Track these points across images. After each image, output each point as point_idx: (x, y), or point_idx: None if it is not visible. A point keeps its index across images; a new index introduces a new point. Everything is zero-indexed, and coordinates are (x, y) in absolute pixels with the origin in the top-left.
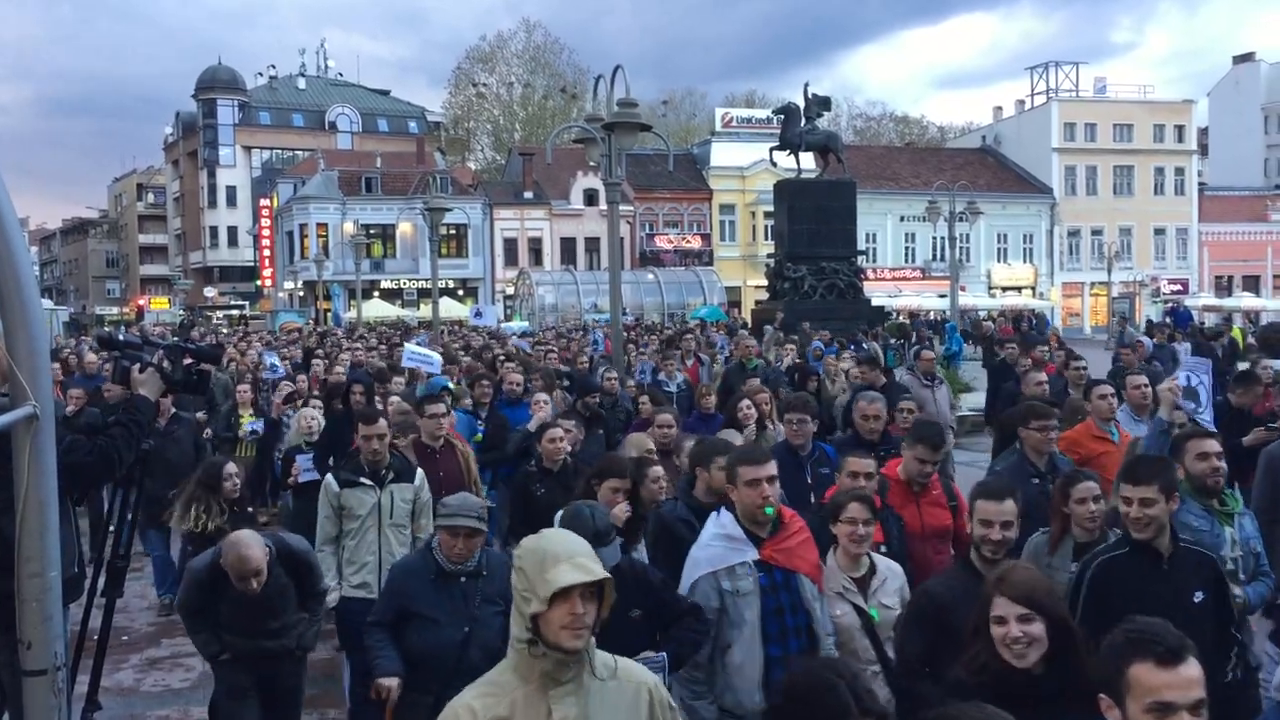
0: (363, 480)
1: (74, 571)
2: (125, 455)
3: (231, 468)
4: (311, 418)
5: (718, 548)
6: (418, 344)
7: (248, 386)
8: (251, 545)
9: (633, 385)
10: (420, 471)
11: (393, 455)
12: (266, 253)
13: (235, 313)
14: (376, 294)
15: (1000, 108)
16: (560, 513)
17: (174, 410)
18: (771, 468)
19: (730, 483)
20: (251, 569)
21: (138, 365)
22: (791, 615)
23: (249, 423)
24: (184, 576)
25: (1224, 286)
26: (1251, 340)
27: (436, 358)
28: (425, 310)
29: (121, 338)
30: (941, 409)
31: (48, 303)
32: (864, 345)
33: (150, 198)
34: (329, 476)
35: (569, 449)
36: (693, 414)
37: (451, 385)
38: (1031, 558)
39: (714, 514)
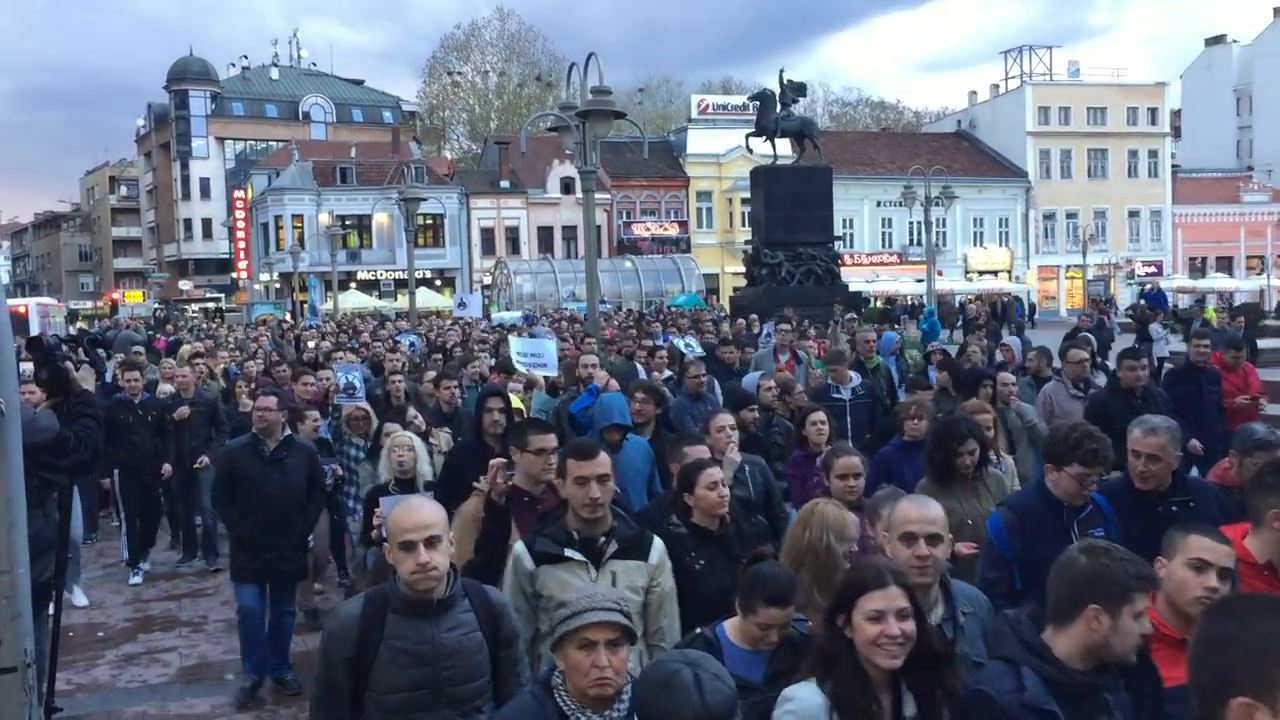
0: (569, 554)
1: (48, 575)
2: (99, 448)
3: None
4: (407, 447)
5: None
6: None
7: (315, 414)
8: (423, 500)
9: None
10: (659, 544)
11: (618, 515)
12: (241, 245)
13: (211, 305)
14: (353, 285)
15: (975, 92)
16: (641, 674)
17: (288, 433)
18: None
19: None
20: (424, 522)
21: (69, 364)
22: None
23: None
24: (325, 634)
25: (1197, 268)
26: (1224, 317)
27: (551, 353)
28: (403, 301)
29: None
30: None
31: (49, 299)
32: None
33: (123, 190)
34: (520, 549)
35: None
36: (892, 441)
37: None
38: None
39: None
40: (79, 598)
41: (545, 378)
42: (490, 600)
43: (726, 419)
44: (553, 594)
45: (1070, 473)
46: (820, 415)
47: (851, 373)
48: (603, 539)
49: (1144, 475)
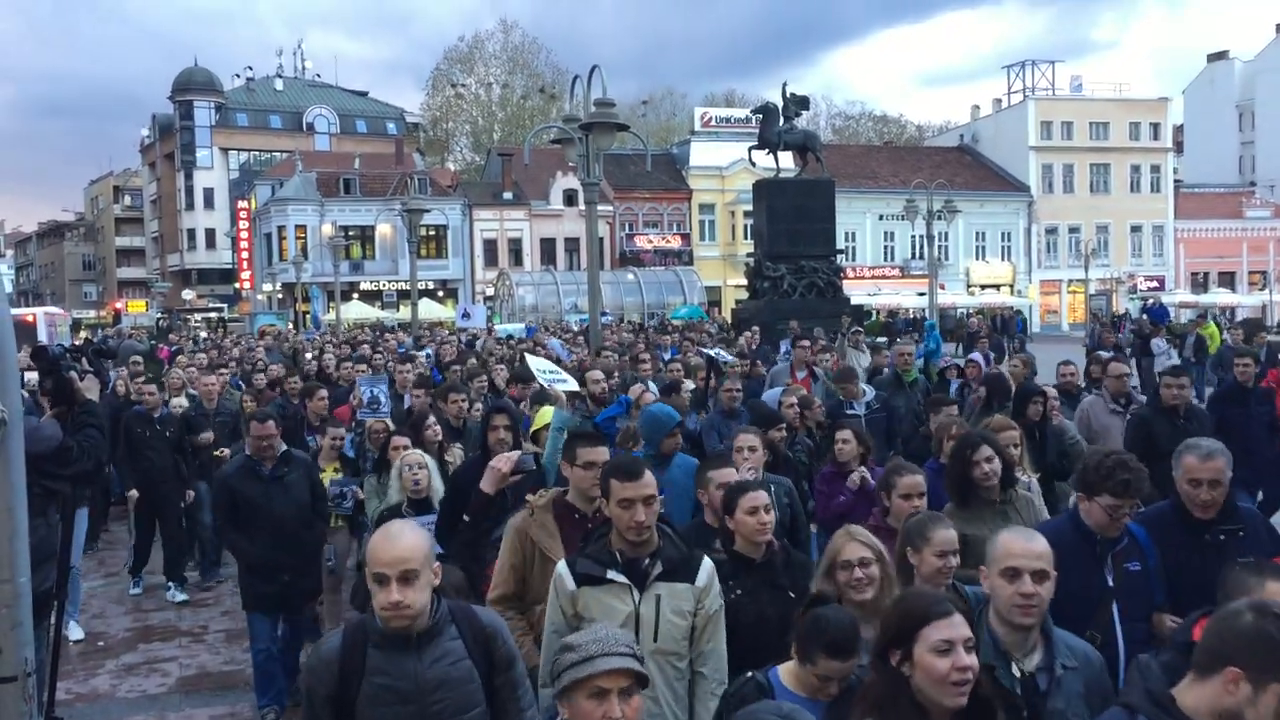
0: (612, 576)
1: (49, 585)
2: (102, 457)
3: None
4: (420, 465)
5: None
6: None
7: (341, 432)
8: (405, 528)
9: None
10: (708, 565)
11: (664, 534)
12: (245, 255)
13: (214, 315)
14: (356, 296)
15: (978, 106)
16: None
17: (285, 447)
18: None
19: None
20: (400, 556)
21: (75, 373)
22: None
23: (333, 483)
24: (306, 669)
25: (1200, 283)
26: (1226, 336)
27: (566, 374)
28: (405, 312)
29: (55, 350)
30: None
31: (56, 309)
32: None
33: (127, 200)
34: (561, 568)
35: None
36: (928, 464)
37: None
38: None
39: None
40: (75, 631)
41: (567, 393)
42: (480, 623)
43: (748, 439)
44: (594, 617)
45: (1101, 503)
46: (847, 433)
47: (865, 386)
48: (647, 560)
49: (1207, 503)
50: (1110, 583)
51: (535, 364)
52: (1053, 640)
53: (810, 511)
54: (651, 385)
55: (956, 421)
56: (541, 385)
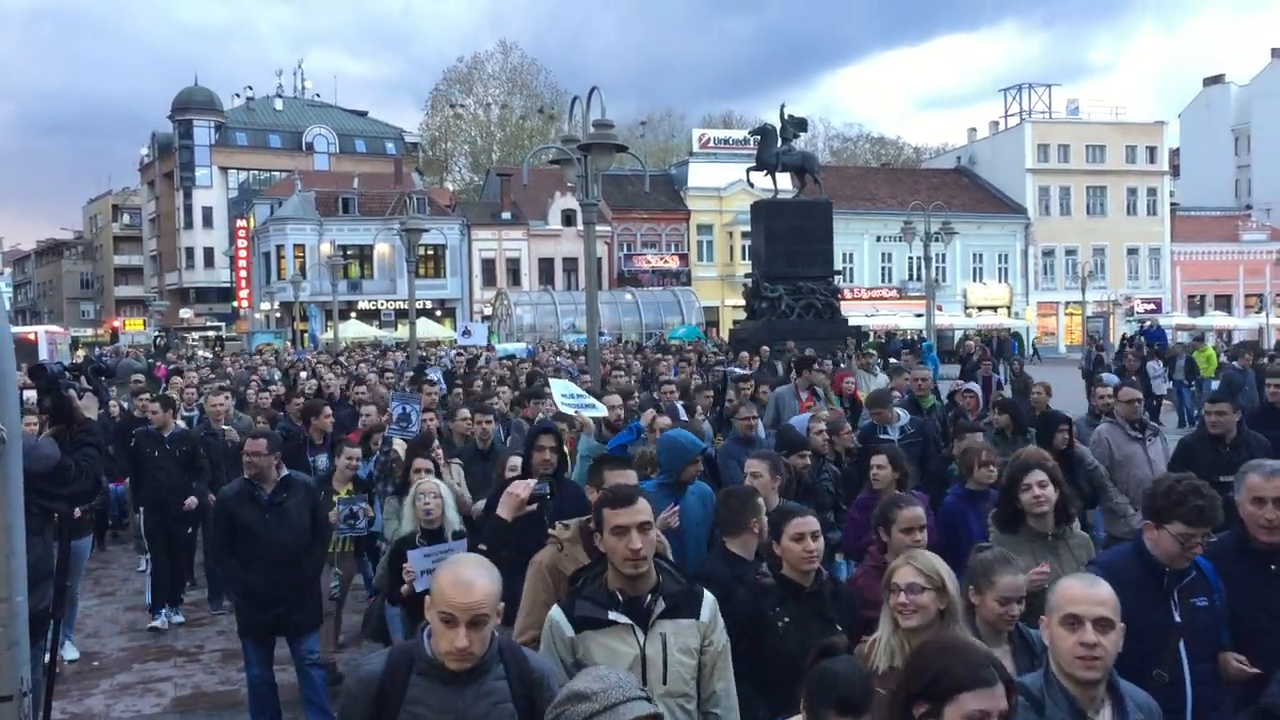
0: (614, 617)
1: (45, 605)
2: (100, 477)
3: None
4: (434, 494)
5: None
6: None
7: (357, 453)
8: (479, 570)
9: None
10: (710, 599)
11: (662, 569)
12: (243, 274)
13: (212, 334)
14: (354, 315)
15: (975, 129)
16: None
17: (286, 472)
18: None
19: None
20: (474, 603)
21: (73, 391)
22: None
23: (342, 503)
24: (344, 691)
25: (1196, 306)
26: (1223, 358)
27: (592, 399)
28: (403, 331)
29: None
30: (1159, 474)
31: (56, 328)
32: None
33: (126, 219)
34: (556, 615)
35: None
36: (953, 490)
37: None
38: None
39: None
40: (69, 651)
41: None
42: (528, 667)
43: (754, 465)
44: (597, 664)
45: (1171, 531)
46: (882, 458)
47: (900, 411)
48: (649, 597)
49: (1272, 523)
50: (1177, 618)
51: (559, 388)
52: (1121, 694)
53: (837, 542)
54: (680, 409)
55: (985, 446)
56: (561, 411)
